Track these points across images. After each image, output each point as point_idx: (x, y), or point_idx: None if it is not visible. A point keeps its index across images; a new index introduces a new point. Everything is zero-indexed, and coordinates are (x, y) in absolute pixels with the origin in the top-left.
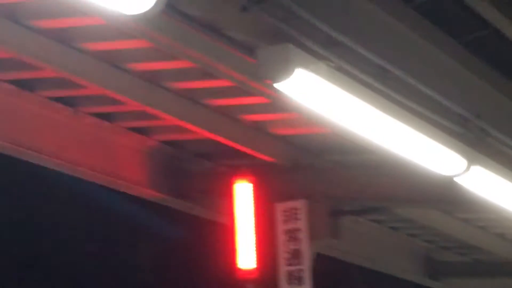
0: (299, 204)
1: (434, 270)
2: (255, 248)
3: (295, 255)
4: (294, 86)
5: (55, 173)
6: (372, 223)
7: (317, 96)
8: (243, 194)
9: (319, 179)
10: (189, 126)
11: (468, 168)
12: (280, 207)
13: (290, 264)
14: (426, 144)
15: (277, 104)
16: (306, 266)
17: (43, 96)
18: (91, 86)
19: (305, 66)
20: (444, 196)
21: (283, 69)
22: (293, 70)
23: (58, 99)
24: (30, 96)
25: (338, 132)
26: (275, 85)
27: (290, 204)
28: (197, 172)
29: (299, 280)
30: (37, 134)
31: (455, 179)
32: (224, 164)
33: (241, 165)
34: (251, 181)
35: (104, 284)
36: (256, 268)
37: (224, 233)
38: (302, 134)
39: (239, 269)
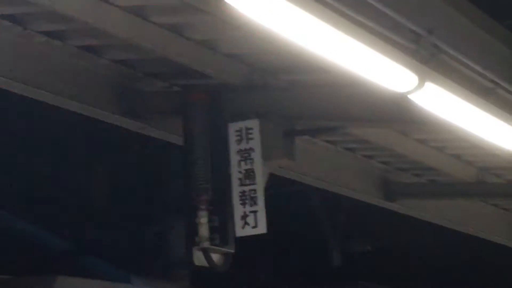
0: (252, 124)
1: (390, 191)
2: (208, 168)
3: (248, 176)
4: (246, 3)
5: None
6: (327, 144)
7: (269, 12)
8: (196, 114)
9: (272, 99)
10: (139, 44)
11: (421, 85)
12: (233, 127)
13: (243, 185)
14: (378, 61)
15: (229, 21)
16: (259, 186)
17: None
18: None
19: None
20: (398, 115)
21: None
22: None
23: (6, 17)
24: None
25: (292, 50)
26: (227, 0)
27: (243, 123)
28: (149, 92)
29: (253, 200)
30: None
31: (409, 96)
32: (177, 84)
33: (193, 84)
34: (204, 101)
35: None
36: (209, 189)
37: (177, 154)
38: (255, 52)
39: (194, 192)
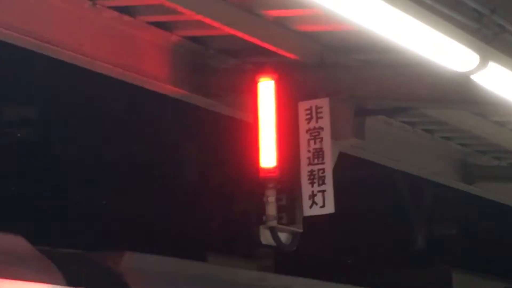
0: (323, 102)
1: (469, 174)
2: (277, 147)
3: (318, 155)
4: None
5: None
6: (404, 125)
7: None
8: (267, 92)
9: (343, 78)
10: (211, 21)
11: (483, 64)
12: (303, 106)
13: (312, 164)
14: (441, 41)
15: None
16: (328, 165)
17: None
18: None
19: None
20: (460, 95)
21: None
22: None
23: None
24: None
25: (362, 30)
26: None
27: (313, 102)
28: (220, 69)
29: (321, 179)
30: (55, 27)
31: (471, 76)
32: (248, 61)
33: (265, 62)
34: (274, 79)
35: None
36: (278, 167)
37: (246, 132)
38: (327, 31)
39: (261, 168)
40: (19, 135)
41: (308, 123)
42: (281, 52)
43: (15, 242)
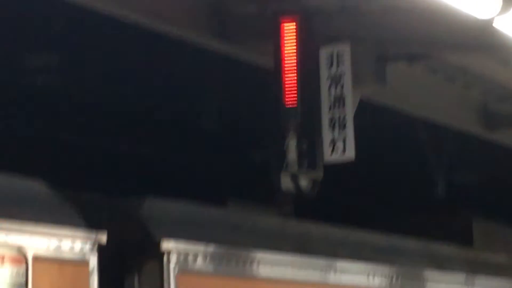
0: (344, 48)
1: (490, 121)
2: (299, 92)
3: (338, 101)
4: None
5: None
6: (426, 71)
7: None
8: (289, 36)
9: (365, 23)
10: None
11: (506, 9)
12: (324, 51)
13: (333, 110)
14: None
15: None
16: (349, 112)
17: None
18: None
19: None
20: (482, 41)
21: None
22: None
23: None
24: None
25: None
26: None
27: (334, 47)
28: (241, 15)
29: (342, 126)
30: None
31: (493, 22)
32: (270, 6)
33: (286, 7)
34: (296, 23)
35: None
36: (299, 112)
37: (268, 76)
38: None
39: (283, 112)
40: None
41: (329, 68)
42: None
43: (36, 186)
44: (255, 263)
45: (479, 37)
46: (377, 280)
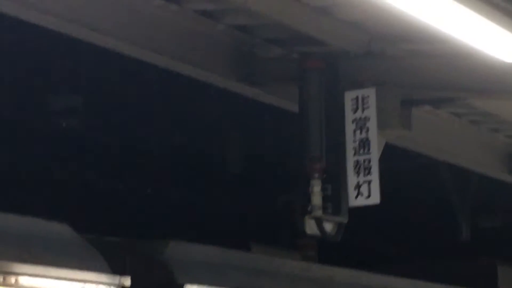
0: (369, 92)
1: None
2: (323, 137)
3: (363, 145)
4: None
5: (118, 56)
6: (450, 116)
7: None
8: (313, 81)
9: (390, 68)
10: (256, 9)
11: None
12: (349, 95)
13: (358, 154)
14: (490, 31)
15: None
16: (374, 156)
17: None
18: None
19: None
20: (510, 85)
21: None
22: None
23: None
24: None
25: (410, 19)
26: None
27: (360, 92)
28: (266, 58)
29: (367, 170)
30: (95, 12)
31: None
32: (295, 50)
33: (311, 51)
34: (321, 68)
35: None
36: (324, 157)
37: (292, 121)
38: (374, 20)
39: (307, 158)
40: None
41: (354, 113)
42: (327, 41)
43: (61, 230)
44: None
45: (504, 81)
46: None
